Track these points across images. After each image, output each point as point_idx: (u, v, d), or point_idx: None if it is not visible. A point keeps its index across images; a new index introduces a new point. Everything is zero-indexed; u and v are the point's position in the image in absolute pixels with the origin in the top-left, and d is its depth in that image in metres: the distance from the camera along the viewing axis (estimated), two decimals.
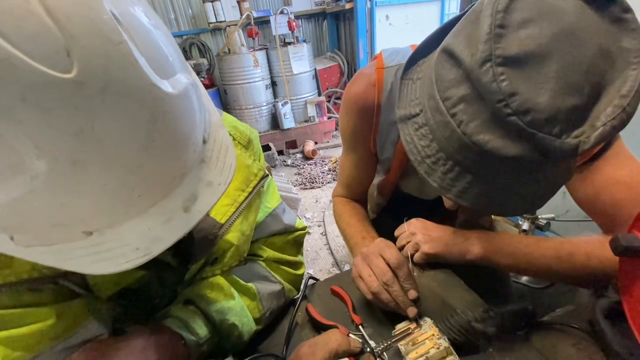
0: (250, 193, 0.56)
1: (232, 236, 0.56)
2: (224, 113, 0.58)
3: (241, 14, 3.32)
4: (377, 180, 0.92)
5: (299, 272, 0.71)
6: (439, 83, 0.44)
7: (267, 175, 0.59)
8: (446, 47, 0.44)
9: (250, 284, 0.59)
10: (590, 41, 0.36)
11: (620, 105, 0.36)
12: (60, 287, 0.44)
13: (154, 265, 0.50)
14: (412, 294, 0.56)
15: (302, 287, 0.70)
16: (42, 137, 0.23)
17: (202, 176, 0.35)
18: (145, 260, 0.31)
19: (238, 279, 0.58)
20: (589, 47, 0.36)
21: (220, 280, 0.56)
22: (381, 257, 0.59)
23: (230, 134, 0.43)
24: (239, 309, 0.55)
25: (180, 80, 0.30)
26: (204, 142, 0.36)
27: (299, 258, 0.72)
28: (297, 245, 0.73)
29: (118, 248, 0.30)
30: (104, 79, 0.24)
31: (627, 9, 0.37)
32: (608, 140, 0.39)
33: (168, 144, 0.29)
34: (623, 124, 0.37)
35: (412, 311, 0.55)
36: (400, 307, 0.56)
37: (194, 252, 0.52)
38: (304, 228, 0.73)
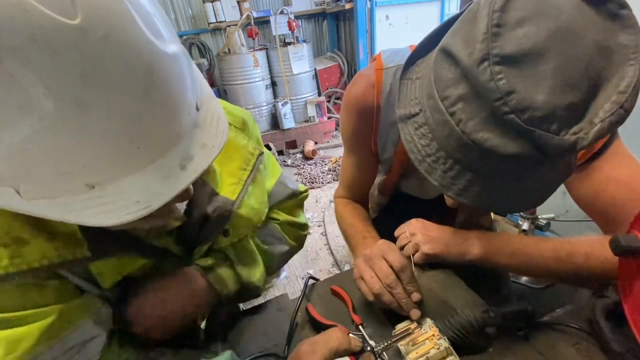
0: (252, 171, 0.62)
1: (243, 210, 0.61)
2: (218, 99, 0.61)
3: (241, 14, 3.32)
4: (378, 179, 0.92)
5: (305, 232, 0.84)
6: (438, 82, 0.44)
7: (262, 152, 0.64)
8: (444, 47, 0.44)
9: (268, 247, 0.70)
10: (587, 38, 0.36)
11: (618, 102, 0.36)
12: (64, 283, 0.44)
13: (155, 253, 0.52)
14: (416, 296, 0.56)
15: (302, 287, 0.70)
16: (50, 77, 0.25)
17: (196, 139, 0.37)
18: (145, 213, 0.33)
19: (260, 243, 0.68)
20: (586, 44, 0.36)
21: (250, 246, 0.65)
22: (384, 259, 0.59)
23: None
24: (260, 275, 0.66)
25: (170, 46, 0.33)
26: (197, 109, 0.38)
27: (304, 219, 0.83)
28: (301, 207, 0.86)
29: (119, 201, 0.32)
30: (105, 27, 0.26)
31: (624, 5, 0.37)
32: (606, 136, 0.39)
33: (163, 99, 0.32)
34: (621, 120, 0.37)
35: (415, 314, 0.55)
36: (403, 309, 0.56)
37: (206, 232, 0.57)
38: (306, 190, 0.84)
